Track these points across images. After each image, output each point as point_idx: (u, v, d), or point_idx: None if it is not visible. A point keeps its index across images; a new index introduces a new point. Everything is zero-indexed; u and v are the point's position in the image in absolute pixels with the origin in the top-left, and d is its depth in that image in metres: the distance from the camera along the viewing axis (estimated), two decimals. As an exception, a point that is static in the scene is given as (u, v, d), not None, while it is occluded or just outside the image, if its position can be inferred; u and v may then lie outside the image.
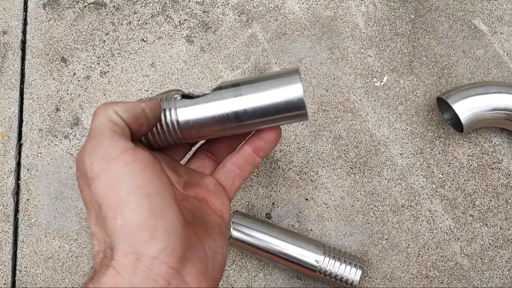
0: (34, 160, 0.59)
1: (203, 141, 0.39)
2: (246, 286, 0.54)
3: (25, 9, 0.65)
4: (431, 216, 0.54)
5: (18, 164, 0.60)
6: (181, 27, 0.62)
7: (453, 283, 0.52)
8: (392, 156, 0.56)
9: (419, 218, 0.54)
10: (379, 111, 0.57)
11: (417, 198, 0.54)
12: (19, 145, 0.60)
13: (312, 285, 0.53)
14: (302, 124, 0.57)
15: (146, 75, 0.60)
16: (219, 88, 0.33)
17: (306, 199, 0.55)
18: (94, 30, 0.63)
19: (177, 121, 0.33)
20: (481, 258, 0.53)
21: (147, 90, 0.60)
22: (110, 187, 0.27)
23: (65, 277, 0.56)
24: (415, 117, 0.56)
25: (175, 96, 0.34)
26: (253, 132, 0.36)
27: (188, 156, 0.40)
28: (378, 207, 0.55)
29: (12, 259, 0.57)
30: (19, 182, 0.59)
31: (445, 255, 0.53)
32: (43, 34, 0.63)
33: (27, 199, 0.58)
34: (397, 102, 0.57)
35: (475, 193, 0.54)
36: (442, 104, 0.55)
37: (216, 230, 0.32)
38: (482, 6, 0.58)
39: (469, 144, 0.55)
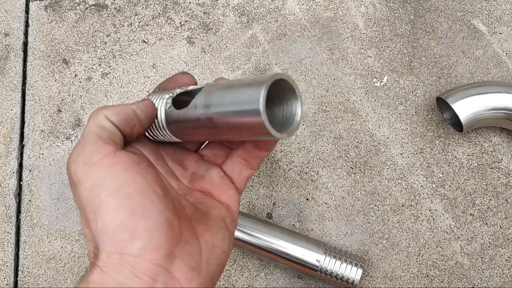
0: (36, 161, 0.60)
1: None
2: (247, 286, 0.54)
3: (27, 11, 0.65)
4: (431, 216, 0.54)
5: (20, 165, 0.60)
6: (182, 29, 0.62)
7: (453, 282, 0.52)
8: (392, 156, 0.56)
9: (419, 217, 0.54)
10: (379, 111, 0.57)
11: (417, 197, 0.55)
12: (21, 146, 0.60)
13: (313, 284, 0.53)
14: (303, 125, 0.57)
15: (147, 76, 0.61)
16: (200, 89, 0.31)
17: (307, 199, 0.56)
18: (95, 31, 0.63)
19: (165, 123, 0.33)
20: (481, 257, 0.53)
21: (148, 91, 0.60)
22: (91, 191, 0.28)
23: (67, 278, 0.56)
24: (415, 117, 0.57)
25: (166, 96, 0.33)
26: None
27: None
28: (379, 206, 0.55)
29: (14, 259, 0.57)
30: (21, 183, 0.59)
31: (446, 254, 0.53)
32: (45, 36, 0.63)
33: (29, 200, 0.59)
34: (397, 102, 0.57)
35: (475, 192, 0.54)
36: (442, 104, 0.55)
37: (218, 224, 0.32)
38: (481, 6, 0.59)
39: (469, 143, 0.55)
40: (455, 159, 0.55)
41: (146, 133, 0.35)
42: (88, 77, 0.62)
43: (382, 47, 0.59)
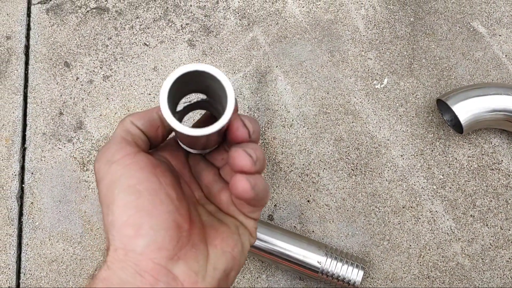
0: (38, 163, 0.60)
1: None
2: (249, 287, 0.54)
3: (29, 15, 0.65)
4: (432, 217, 0.54)
5: (22, 167, 0.60)
6: (183, 31, 0.62)
7: (454, 283, 0.53)
8: (392, 158, 0.56)
9: (420, 219, 0.54)
10: (380, 113, 0.57)
11: (418, 199, 0.55)
12: (23, 149, 0.61)
13: (314, 286, 0.53)
14: (304, 127, 0.57)
15: (149, 79, 0.61)
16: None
17: (308, 201, 0.56)
18: (97, 34, 0.63)
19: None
20: (482, 259, 0.53)
21: (149, 94, 0.61)
22: (108, 187, 0.30)
23: (69, 280, 0.57)
24: (415, 118, 0.57)
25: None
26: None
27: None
28: (380, 208, 0.55)
29: (16, 262, 0.57)
30: (23, 185, 0.60)
31: (446, 255, 0.53)
32: (46, 39, 0.64)
33: (31, 203, 0.59)
34: (398, 104, 0.57)
35: (476, 194, 0.54)
36: (442, 106, 0.55)
37: (230, 231, 0.32)
38: (481, 8, 0.59)
39: (469, 145, 0.56)
40: (455, 160, 0.55)
41: (179, 142, 0.36)
42: (90, 80, 0.62)
43: (382, 49, 0.59)
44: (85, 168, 0.59)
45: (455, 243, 0.54)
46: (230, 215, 0.34)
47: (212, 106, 0.34)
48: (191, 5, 0.63)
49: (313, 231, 0.55)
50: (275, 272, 0.54)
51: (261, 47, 0.61)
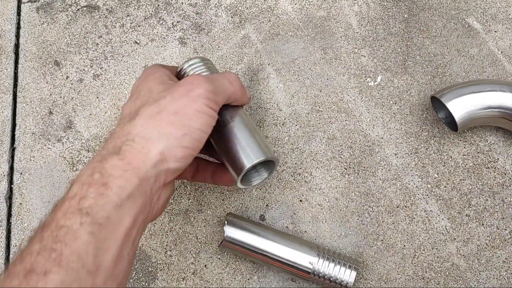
0: (27, 164, 0.59)
1: None
2: (240, 289, 0.53)
3: (19, 13, 0.65)
4: (427, 217, 0.53)
5: (11, 168, 0.59)
6: (174, 29, 0.62)
7: (449, 284, 0.51)
8: (386, 156, 0.55)
9: (414, 218, 0.53)
10: (373, 111, 0.56)
11: (412, 198, 0.54)
12: (12, 149, 0.60)
13: (306, 287, 0.52)
14: (296, 125, 0.57)
15: (139, 78, 0.60)
16: None
17: (300, 201, 0.55)
18: (87, 33, 0.63)
19: None
20: (477, 259, 0.52)
21: (140, 93, 0.60)
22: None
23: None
24: (410, 116, 0.56)
25: None
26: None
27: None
28: (373, 207, 0.54)
29: (4, 263, 0.56)
30: (12, 186, 0.59)
31: (441, 255, 0.52)
32: (36, 38, 0.63)
33: (20, 203, 0.58)
34: (391, 102, 0.56)
35: (471, 193, 0.53)
36: (437, 103, 0.54)
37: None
38: (476, 4, 0.58)
39: (464, 143, 0.55)
40: (450, 159, 0.54)
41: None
42: (80, 78, 0.61)
43: (376, 46, 0.58)
44: (74, 168, 0.58)
45: (450, 243, 0.52)
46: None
47: None
48: (182, 3, 0.62)
49: (305, 231, 0.54)
50: (266, 273, 0.53)
51: (253, 45, 0.60)
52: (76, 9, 0.64)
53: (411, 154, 0.55)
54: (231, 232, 0.51)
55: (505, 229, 0.52)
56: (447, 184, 0.54)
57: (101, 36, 0.62)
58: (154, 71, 0.44)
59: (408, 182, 0.54)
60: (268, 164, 0.46)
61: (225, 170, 0.47)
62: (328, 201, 0.55)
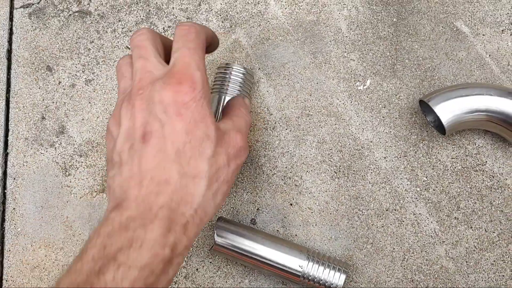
0: (20, 169, 0.60)
1: None
2: (231, 292, 0.54)
3: (11, 19, 0.65)
4: (416, 220, 0.54)
5: (4, 173, 0.60)
6: (165, 34, 0.62)
7: (438, 286, 0.52)
8: (376, 160, 0.55)
9: (403, 221, 0.54)
10: (363, 115, 0.57)
11: (401, 201, 0.54)
12: (5, 154, 0.60)
13: (297, 290, 0.53)
14: (286, 129, 0.57)
15: (131, 83, 0.61)
16: None
17: (291, 204, 0.55)
18: (79, 38, 0.63)
19: None
20: (466, 261, 0.52)
21: (131, 98, 0.60)
22: None
23: (51, 286, 0.56)
24: (399, 120, 0.56)
25: None
26: None
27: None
28: (363, 211, 0.54)
29: (-2, 268, 0.57)
30: (5, 191, 0.59)
31: (430, 258, 0.53)
32: (29, 43, 0.63)
33: (13, 208, 0.59)
34: (380, 106, 0.57)
35: (460, 196, 0.54)
36: (425, 107, 0.54)
37: None
38: (464, 8, 0.58)
39: (453, 146, 0.55)
40: (439, 162, 0.55)
41: None
42: (72, 84, 0.62)
43: (365, 50, 0.58)
44: (67, 173, 0.59)
45: (439, 246, 0.53)
46: None
47: None
48: (173, 8, 0.62)
49: (296, 235, 0.55)
50: (258, 277, 0.54)
51: (243, 49, 0.60)
52: (68, 14, 0.64)
53: (400, 157, 0.55)
54: (222, 237, 0.51)
55: (493, 232, 0.53)
56: (436, 187, 0.54)
57: (93, 41, 0.63)
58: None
59: (397, 186, 0.55)
60: None
61: None
62: (318, 204, 0.55)
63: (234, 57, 0.60)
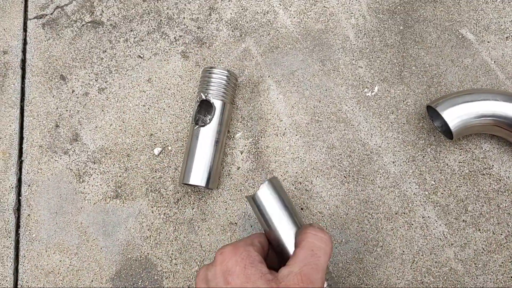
0: (35, 176, 0.61)
1: None
2: None
3: (25, 29, 0.66)
4: (425, 223, 0.55)
5: (19, 180, 0.61)
6: (176, 43, 0.63)
7: (448, 288, 0.53)
8: (384, 164, 0.57)
9: (412, 224, 0.55)
10: (371, 121, 0.58)
11: (410, 205, 0.55)
12: (20, 162, 0.61)
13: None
14: (296, 135, 0.58)
15: (143, 91, 0.62)
16: None
17: (302, 208, 0.56)
18: (92, 48, 0.64)
19: None
20: (475, 263, 0.53)
21: (144, 105, 0.61)
22: None
23: (66, 291, 0.57)
24: (406, 125, 0.57)
25: None
26: None
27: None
28: (372, 214, 0.55)
29: (13, 274, 0.58)
30: (20, 198, 0.60)
31: (439, 260, 0.54)
32: (43, 53, 0.65)
33: (28, 215, 0.60)
34: (388, 111, 0.58)
35: (467, 199, 0.55)
36: (432, 112, 0.56)
37: None
38: (469, 16, 0.60)
39: (460, 150, 0.56)
40: (446, 166, 0.56)
41: None
42: (85, 92, 0.63)
43: (372, 57, 0.60)
44: (81, 180, 0.60)
45: (448, 248, 0.54)
46: None
47: None
48: (184, 17, 0.64)
49: (307, 239, 0.55)
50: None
51: (253, 58, 0.61)
52: (81, 24, 0.65)
53: (408, 162, 0.56)
54: (265, 191, 0.45)
55: (501, 234, 0.54)
56: (444, 190, 0.55)
57: (105, 51, 0.64)
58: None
59: (406, 189, 0.56)
60: None
61: None
62: (329, 208, 0.56)
63: (244, 65, 0.61)
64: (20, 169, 0.61)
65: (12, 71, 0.64)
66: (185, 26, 0.64)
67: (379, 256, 0.54)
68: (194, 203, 0.57)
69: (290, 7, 0.63)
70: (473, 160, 0.56)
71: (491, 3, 0.60)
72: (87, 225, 0.59)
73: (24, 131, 0.62)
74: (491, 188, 0.55)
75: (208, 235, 0.56)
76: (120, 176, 0.59)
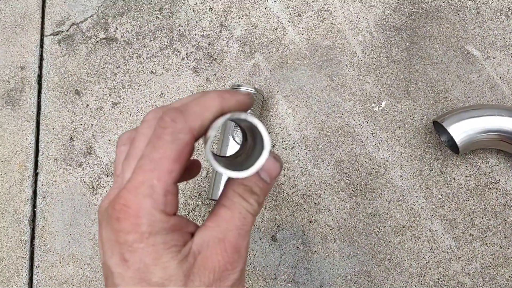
0: (50, 188, 0.62)
1: None
2: None
3: (41, 46, 0.69)
4: (432, 236, 0.55)
5: (35, 192, 0.63)
6: (188, 59, 0.65)
7: (455, 301, 0.53)
8: (392, 178, 0.58)
9: (420, 238, 0.55)
10: (378, 135, 0.59)
11: (417, 218, 0.56)
12: (36, 174, 0.63)
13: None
14: (305, 149, 0.59)
15: (156, 105, 0.64)
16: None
17: (310, 222, 0.57)
18: (106, 63, 0.66)
19: None
20: (482, 277, 0.54)
21: (156, 120, 0.63)
22: None
23: (79, 301, 0.58)
24: (413, 140, 0.58)
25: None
26: None
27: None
28: (380, 228, 0.56)
29: (28, 284, 0.59)
30: (35, 209, 0.62)
31: (447, 274, 0.54)
32: (58, 69, 0.67)
33: (43, 226, 0.61)
34: (395, 126, 0.59)
35: (474, 213, 0.56)
36: (439, 127, 0.57)
37: None
38: (474, 32, 0.61)
39: (467, 165, 0.57)
40: (453, 180, 0.57)
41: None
42: (99, 106, 0.65)
43: (379, 73, 0.61)
44: (94, 192, 0.61)
45: (455, 262, 0.54)
46: None
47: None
48: (195, 34, 0.66)
49: (315, 251, 0.56)
50: (278, 292, 0.55)
51: (262, 73, 0.63)
52: (96, 41, 0.67)
53: (415, 176, 0.57)
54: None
55: (508, 248, 0.54)
56: (451, 204, 0.56)
57: (119, 67, 0.66)
58: None
59: (413, 203, 0.56)
60: None
61: None
62: (337, 222, 0.57)
63: (254, 80, 0.63)
64: (35, 181, 0.63)
65: (29, 86, 0.66)
66: (196, 43, 0.66)
67: (387, 269, 0.55)
68: (204, 215, 0.59)
69: (298, 24, 0.65)
70: (480, 174, 0.57)
71: (496, 20, 0.62)
72: (100, 237, 0.60)
73: (39, 144, 0.64)
74: (497, 202, 0.56)
75: (218, 247, 0.57)
76: (132, 188, 0.61)
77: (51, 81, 0.67)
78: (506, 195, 0.56)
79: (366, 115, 0.60)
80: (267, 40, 0.64)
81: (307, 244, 0.57)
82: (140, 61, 0.66)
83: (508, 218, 0.55)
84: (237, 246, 0.29)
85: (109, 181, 0.62)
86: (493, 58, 0.60)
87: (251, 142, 0.33)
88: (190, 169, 0.35)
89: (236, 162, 0.32)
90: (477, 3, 0.62)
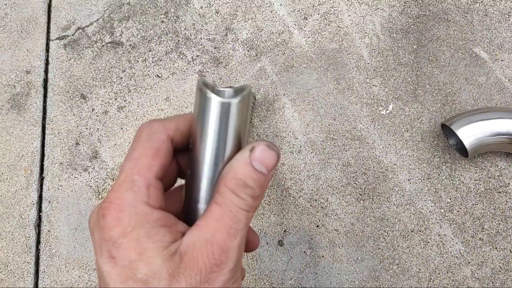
0: (55, 192, 0.62)
1: None
2: None
3: (47, 50, 0.69)
4: (441, 241, 0.55)
5: (40, 196, 0.62)
6: (193, 63, 0.65)
7: (465, 307, 0.53)
8: (400, 182, 0.57)
9: (429, 242, 0.55)
10: (386, 138, 0.58)
11: (426, 222, 0.55)
12: (41, 179, 0.63)
13: None
14: (311, 153, 0.59)
15: (161, 109, 0.63)
16: None
17: (317, 226, 0.57)
18: (111, 67, 0.66)
19: None
20: (492, 282, 0.53)
21: (162, 123, 0.63)
22: None
23: (84, 306, 0.58)
24: (421, 143, 0.58)
25: None
26: None
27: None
28: (388, 232, 0.56)
29: (34, 289, 0.59)
30: (41, 214, 0.62)
31: (456, 279, 0.53)
32: (64, 73, 0.67)
33: (48, 231, 0.61)
34: (403, 129, 0.59)
35: (484, 217, 0.55)
36: (447, 130, 0.56)
37: None
38: (482, 35, 0.60)
39: (476, 168, 0.56)
40: (462, 184, 0.56)
41: None
42: (105, 111, 0.65)
43: (386, 76, 0.61)
44: (100, 196, 0.61)
45: (464, 266, 0.54)
46: None
47: None
48: (201, 38, 0.66)
49: (323, 256, 0.56)
50: (286, 297, 0.55)
51: (268, 77, 0.63)
52: (101, 45, 0.67)
53: (423, 179, 0.57)
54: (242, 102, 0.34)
55: (519, 253, 0.53)
56: (460, 208, 0.55)
57: (124, 70, 0.66)
58: None
59: (421, 207, 0.56)
60: None
61: None
62: (344, 226, 0.56)
63: (260, 84, 0.62)
64: (41, 186, 0.63)
65: (35, 90, 0.66)
66: (202, 46, 0.65)
67: (395, 274, 0.54)
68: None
69: (304, 27, 0.64)
70: (489, 178, 0.56)
71: (504, 22, 0.61)
72: (105, 241, 0.60)
73: (45, 149, 0.64)
74: (507, 206, 0.55)
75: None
76: (138, 193, 0.60)
77: (56, 85, 0.66)
78: (516, 199, 0.55)
79: (373, 118, 0.59)
80: (273, 43, 0.64)
81: (314, 248, 0.56)
82: (146, 65, 0.66)
83: (518, 222, 0.54)
84: (225, 247, 0.29)
85: (114, 186, 0.61)
86: (502, 60, 0.59)
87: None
88: (248, 240, 0.35)
89: None
90: (484, 5, 0.62)
